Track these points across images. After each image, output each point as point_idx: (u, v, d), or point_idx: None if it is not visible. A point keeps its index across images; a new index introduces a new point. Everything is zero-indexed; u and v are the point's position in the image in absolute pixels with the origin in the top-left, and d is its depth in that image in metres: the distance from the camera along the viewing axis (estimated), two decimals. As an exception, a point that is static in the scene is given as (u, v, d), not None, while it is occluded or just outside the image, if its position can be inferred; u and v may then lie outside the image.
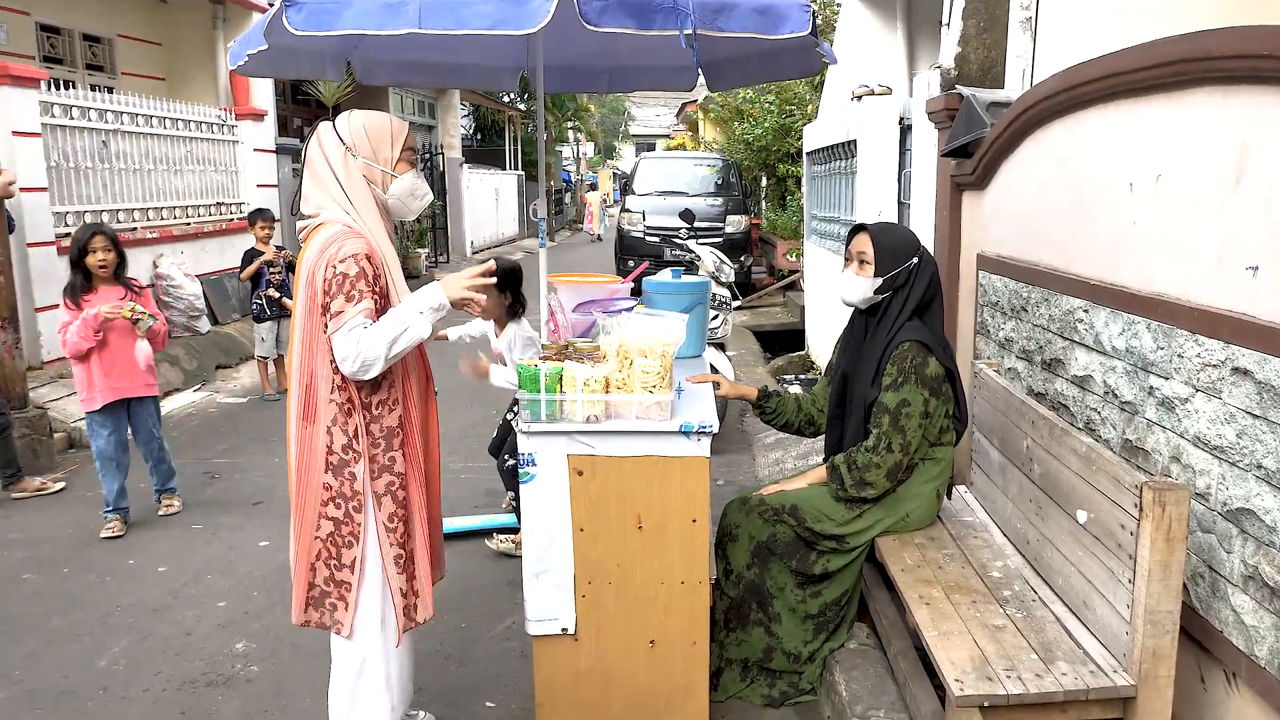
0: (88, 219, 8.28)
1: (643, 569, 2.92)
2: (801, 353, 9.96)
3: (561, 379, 2.83)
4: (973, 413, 3.61)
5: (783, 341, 11.00)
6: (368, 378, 2.53)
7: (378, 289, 2.56)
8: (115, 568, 4.61)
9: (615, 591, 2.94)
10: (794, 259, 13.13)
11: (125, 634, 3.93)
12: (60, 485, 5.86)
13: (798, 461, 6.01)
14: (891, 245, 3.21)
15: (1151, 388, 2.57)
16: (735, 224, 14.30)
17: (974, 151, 4.12)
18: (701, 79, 4.52)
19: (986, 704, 2.28)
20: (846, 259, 3.33)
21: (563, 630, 2.96)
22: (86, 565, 4.64)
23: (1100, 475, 2.44)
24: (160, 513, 5.26)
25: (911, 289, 3.20)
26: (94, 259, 4.79)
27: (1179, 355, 2.45)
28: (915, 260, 3.20)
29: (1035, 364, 3.39)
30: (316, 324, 2.56)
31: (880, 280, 3.20)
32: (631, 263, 13.73)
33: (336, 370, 2.56)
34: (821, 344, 8.94)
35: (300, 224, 2.70)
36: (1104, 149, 2.96)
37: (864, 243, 3.24)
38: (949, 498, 3.47)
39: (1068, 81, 3.13)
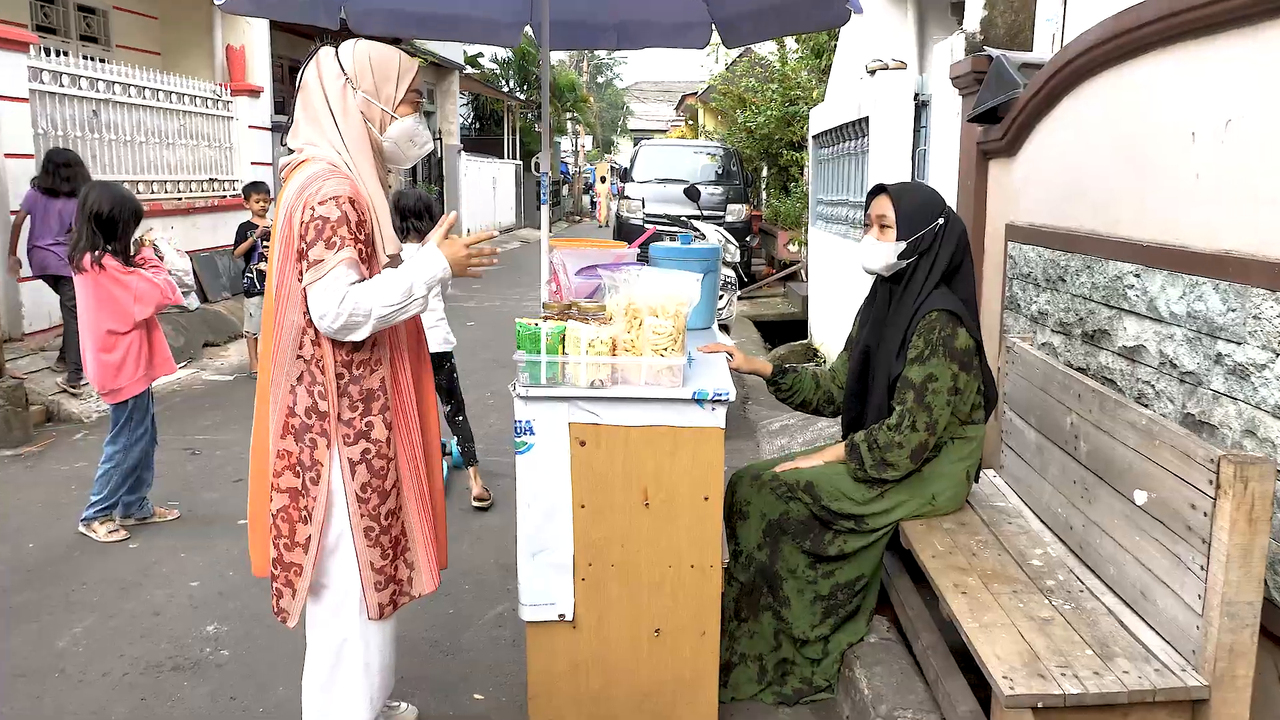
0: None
1: (649, 550, 2.67)
2: (804, 342, 9.72)
3: (564, 339, 2.57)
4: (1004, 390, 3.36)
5: (783, 332, 10.77)
6: (348, 340, 2.27)
7: (362, 236, 2.28)
8: (83, 543, 4.34)
9: (618, 574, 2.68)
10: (795, 249, 12.88)
11: (89, 613, 3.67)
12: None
13: (805, 448, 5.76)
14: (914, 206, 2.95)
15: (1219, 355, 2.32)
16: (736, 213, 14.08)
17: (1003, 116, 3.87)
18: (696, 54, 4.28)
19: (1040, 705, 2.02)
20: (866, 223, 3.08)
21: (560, 616, 2.70)
22: (54, 540, 4.38)
23: (1164, 451, 2.19)
24: (171, 518, 4.62)
25: (938, 253, 2.94)
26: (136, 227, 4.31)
27: (1255, 317, 2.19)
28: (941, 221, 2.94)
29: (1075, 337, 3.14)
30: (291, 270, 2.29)
31: (904, 244, 2.94)
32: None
33: (310, 322, 2.29)
34: (826, 332, 8.70)
35: (283, 160, 2.43)
36: (1159, 99, 2.71)
37: (884, 205, 2.99)
38: (976, 480, 3.22)
39: (1118, 27, 2.87)
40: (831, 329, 8.43)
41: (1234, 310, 2.26)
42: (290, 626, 2.42)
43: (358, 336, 2.25)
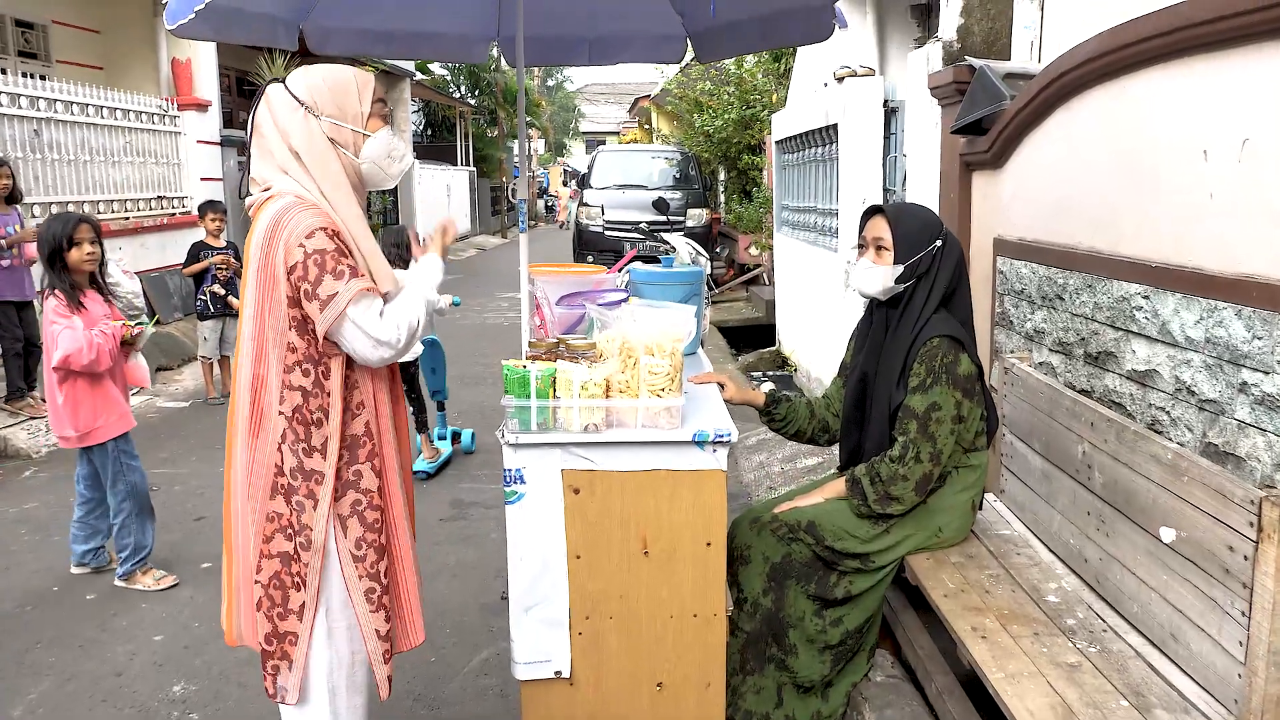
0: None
1: (649, 601, 2.52)
2: (772, 349, 9.62)
3: (555, 382, 2.41)
4: (1003, 413, 3.26)
5: (748, 337, 10.68)
6: (404, 359, 2.25)
7: (357, 269, 2.16)
8: (37, 597, 4.10)
9: (617, 627, 2.54)
10: (757, 253, 12.80)
11: (45, 675, 3.44)
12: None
13: (784, 464, 5.65)
14: (912, 227, 2.84)
15: (1244, 384, 2.22)
16: (696, 217, 13.99)
17: (988, 127, 3.78)
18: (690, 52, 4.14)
19: (1081, 766, 1.92)
20: (861, 246, 2.95)
21: (556, 673, 2.55)
22: (3, 593, 4.13)
23: (1194, 487, 2.09)
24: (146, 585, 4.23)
25: (937, 275, 2.83)
26: (79, 253, 3.93)
27: (1284, 346, 2.10)
28: (939, 243, 2.84)
29: (1076, 357, 3.04)
30: (275, 320, 2.12)
31: (902, 268, 2.82)
32: (590, 258, 13.36)
33: (291, 374, 2.13)
34: (795, 339, 8.61)
35: (248, 201, 2.25)
36: (1166, 114, 2.61)
37: (880, 227, 2.86)
38: (980, 509, 3.11)
39: (1117, 41, 2.78)
40: (800, 336, 8.35)
41: (1261, 338, 2.17)
42: (291, 704, 2.23)
43: (408, 355, 2.29)
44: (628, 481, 2.45)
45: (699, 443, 2.43)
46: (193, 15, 2.62)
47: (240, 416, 2.21)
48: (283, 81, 2.22)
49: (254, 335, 2.16)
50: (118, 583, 4.19)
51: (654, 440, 2.43)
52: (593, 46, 4.19)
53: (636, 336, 2.46)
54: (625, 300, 3.02)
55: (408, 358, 5.33)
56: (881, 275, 2.85)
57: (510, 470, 2.45)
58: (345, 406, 2.19)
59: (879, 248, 2.86)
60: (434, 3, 3.66)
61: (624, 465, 2.45)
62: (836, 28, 3.20)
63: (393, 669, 2.31)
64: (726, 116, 14.42)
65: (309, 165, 2.16)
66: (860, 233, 2.95)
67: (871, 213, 2.92)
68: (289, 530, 2.16)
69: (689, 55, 4.05)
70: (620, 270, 3.52)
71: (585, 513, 2.47)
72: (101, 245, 4.08)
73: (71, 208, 8.69)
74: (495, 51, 4.35)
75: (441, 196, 22.86)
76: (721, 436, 2.42)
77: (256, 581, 2.18)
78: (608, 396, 2.43)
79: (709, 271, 6.45)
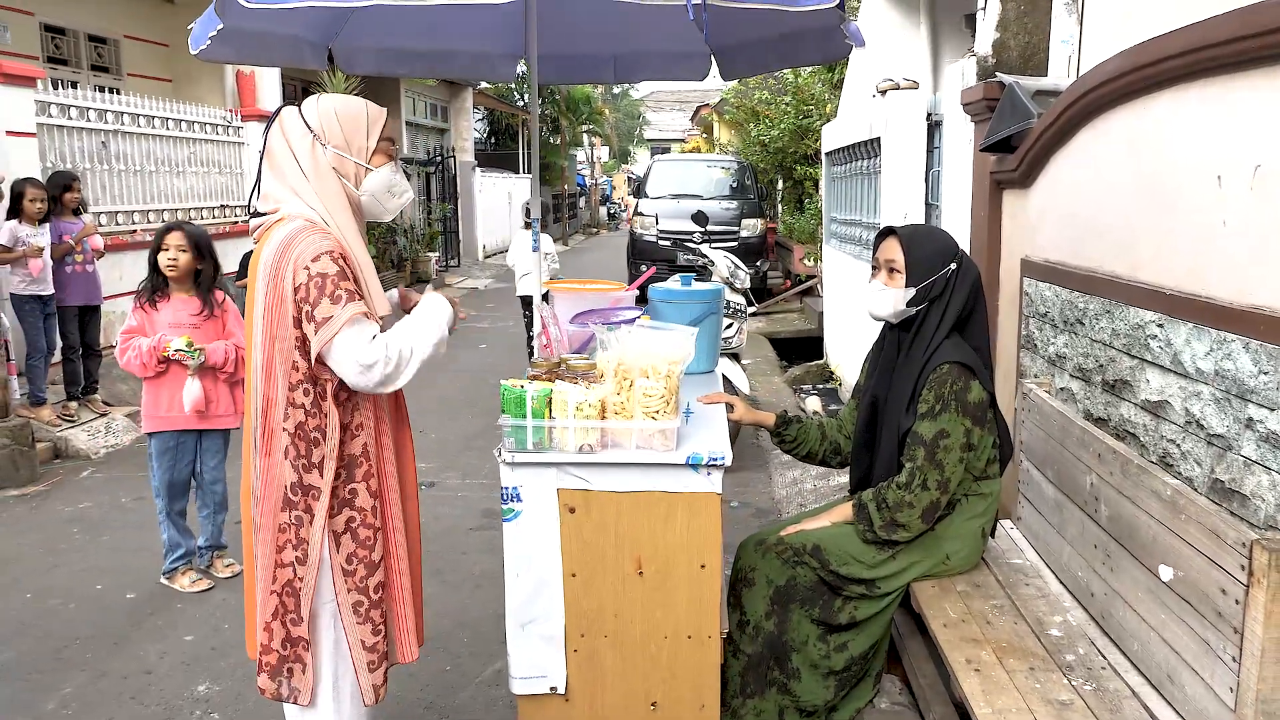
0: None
1: (644, 620, 2.53)
2: (820, 361, 9.55)
3: (551, 402, 2.44)
4: (1020, 439, 3.20)
5: (800, 349, 10.60)
6: (388, 390, 2.22)
7: (358, 293, 2.21)
8: (78, 593, 4.25)
9: (612, 646, 2.55)
10: (811, 263, 12.72)
11: (79, 671, 3.57)
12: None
13: (817, 481, 5.60)
14: (925, 251, 2.80)
15: (1251, 420, 2.16)
16: (750, 228, 13.91)
17: (1017, 145, 3.72)
18: (715, 70, 4.14)
19: (1058, 808, 1.87)
20: (874, 267, 2.92)
21: (551, 689, 2.57)
22: (48, 590, 4.29)
23: (1191, 527, 2.03)
24: (222, 574, 4.41)
25: (950, 300, 2.79)
26: (164, 256, 4.07)
27: (1289, 381, 2.03)
28: (953, 266, 2.80)
29: (1095, 385, 2.98)
30: (281, 340, 2.19)
31: (913, 291, 2.79)
32: (643, 267, 13.38)
33: (294, 392, 2.21)
34: (841, 353, 8.54)
35: (255, 222, 2.32)
36: (1182, 137, 2.55)
37: (893, 249, 2.83)
38: (992, 535, 3.06)
39: (1136, 60, 2.72)
40: (847, 349, 8.27)
41: (1267, 373, 2.10)
42: (304, 705, 2.31)
43: (400, 383, 2.22)
44: (623, 502, 2.47)
45: (693, 465, 2.42)
46: (208, 41, 2.70)
47: (253, 435, 2.29)
48: (297, 105, 2.30)
49: (263, 356, 2.23)
50: (162, 580, 4.32)
51: (648, 462, 2.44)
52: (617, 64, 4.22)
53: (633, 358, 2.47)
54: (636, 319, 3.03)
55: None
56: (892, 298, 2.82)
57: (507, 488, 2.48)
58: (344, 427, 2.25)
59: (891, 270, 2.83)
60: (461, 22, 3.71)
61: (619, 486, 2.46)
62: (853, 46, 3.16)
63: (385, 678, 2.37)
64: (782, 126, 14.36)
65: (315, 189, 2.24)
66: (874, 254, 2.92)
67: (885, 234, 2.90)
68: (295, 542, 2.24)
69: (714, 73, 4.05)
70: (638, 288, 3.53)
71: (580, 532, 2.49)
72: (202, 255, 4.15)
73: (136, 216, 9.01)
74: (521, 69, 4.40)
75: (503, 204, 23.10)
76: (715, 460, 2.42)
77: (273, 592, 2.26)
78: (603, 418, 2.45)
79: (746, 285, 6.44)
